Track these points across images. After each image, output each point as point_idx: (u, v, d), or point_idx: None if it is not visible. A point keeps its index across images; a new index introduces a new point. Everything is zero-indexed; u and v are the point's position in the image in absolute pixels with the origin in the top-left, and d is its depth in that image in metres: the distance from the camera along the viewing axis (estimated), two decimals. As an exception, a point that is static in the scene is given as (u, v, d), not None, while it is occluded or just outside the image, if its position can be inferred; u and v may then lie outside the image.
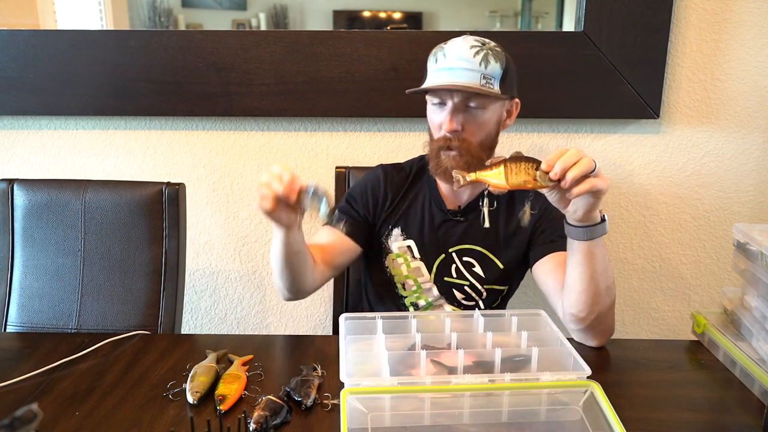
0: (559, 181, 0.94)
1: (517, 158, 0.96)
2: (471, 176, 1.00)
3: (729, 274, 1.70)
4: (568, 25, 1.65)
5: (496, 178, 0.97)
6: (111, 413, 0.92)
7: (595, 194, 0.97)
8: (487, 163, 0.98)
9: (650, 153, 1.63)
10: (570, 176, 0.93)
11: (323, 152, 1.65)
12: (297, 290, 1.19)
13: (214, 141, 1.66)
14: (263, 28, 1.91)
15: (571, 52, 1.53)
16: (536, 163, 0.95)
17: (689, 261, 1.70)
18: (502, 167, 0.96)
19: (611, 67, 1.53)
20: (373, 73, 1.54)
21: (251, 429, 0.85)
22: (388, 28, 1.68)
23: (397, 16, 1.89)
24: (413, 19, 1.90)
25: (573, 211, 1.01)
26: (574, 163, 0.93)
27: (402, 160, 1.38)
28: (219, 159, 1.67)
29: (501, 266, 1.30)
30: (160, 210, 1.38)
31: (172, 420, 0.90)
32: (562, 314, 1.15)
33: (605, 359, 1.10)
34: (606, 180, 0.96)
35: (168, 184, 1.39)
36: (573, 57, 1.53)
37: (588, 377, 0.89)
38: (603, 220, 1.03)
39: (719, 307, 1.20)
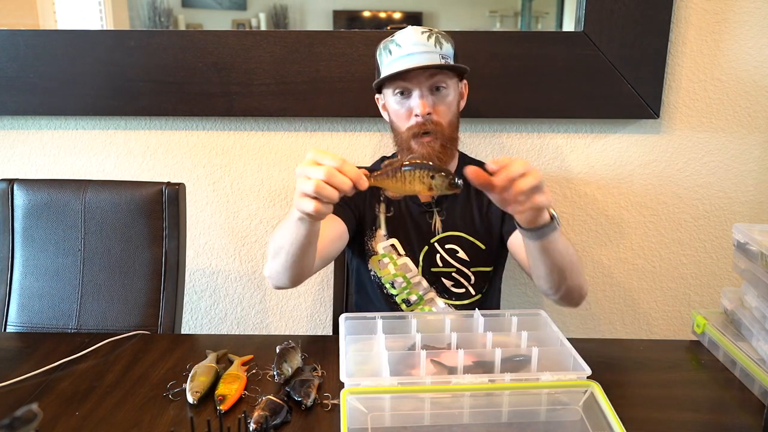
0: (455, 186, 0.89)
1: (412, 165, 0.89)
2: (369, 181, 0.91)
3: (729, 274, 1.70)
4: (568, 25, 1.65)
5: (391, 186, 0.91)
6: (111, 413, 0.92)
7: (535, 209, 0.93)
8: (385, 164, 0.91)
9: (650, 153, 1.63)
10: (517, 189, 0.87)
11: (323, 152, 1.65)
12: (298, 280, 1.13)
13: (214, 141, 1.66)
14: (263, 28, 1.91)
15: (571, 52, 1.53)
16: (432, 170, 0.89)
17: (689, 261, 1.70)
18: (398, 174, 0.90)
19: (611, 67, 1.53)
20: (373, 73, 1.54)
21: (251, 429, 0.85)
22: (388, 28, 1.68)
23: (397, 16, 1.89)
24: (413, 19, 1.90)
25: (518, 218, 0.98)
26: (522, 175, 0.87)
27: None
28: (219, 159, 1.67)
29: (483, 247, 1.32)
30: (160, 210, 1.38)
31: (172, 420, 0.90)
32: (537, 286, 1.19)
33: (605, 359, 1.10)
34: (548, 196, 0.91)
35: (168, 184, 1.39)
36: (573, 57, 1.53)
37: (588, 377, 0.89)
38: (552, 218, 0.98)
39: (719, 307, 1.20)
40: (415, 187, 0.90)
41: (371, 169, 0.90)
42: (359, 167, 0.89)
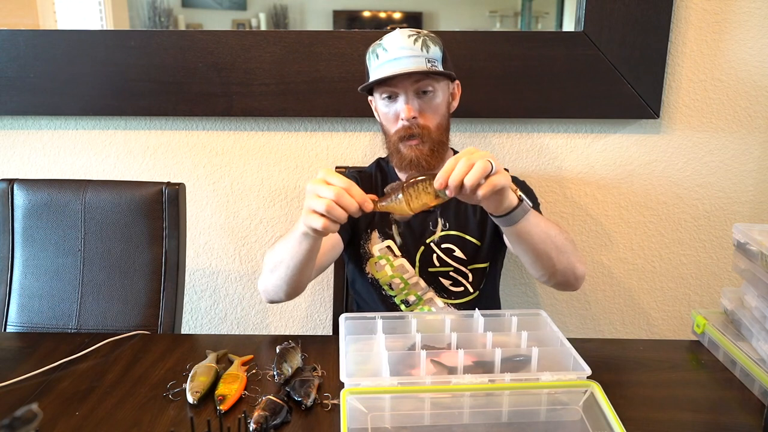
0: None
1: (414, 181, 0.94)
2: (376, 207, 0.96)
3: (729, 274, 1.70)
4: (568, 25, 1.65)
5: (398, 208, 0.95)
6: (111, 413, 0.92)
7: (498, 192, 0.95)
8: (387, 190, 0.96)
9: (650, 153, 1.63)
10: (468, 185, 0.90)
11: (323, 152, 1.65)
12: (293, 293, 1.17)
13: (214, 141, 1.66)
14: (263, 28, 1.91)
15: (571, 52, 1.53)
16: (432, 178, 0.92)
17: (689, 261, 1.70)
18: (401, 194, 0.94)
19: (611, 67, 1.53)
20: (373, 73, 1.54)
21: (251, 429, 0.85)
22: (388, 28, 1.68)
23: (397, 16, 1.89)
24: (413, 19, 1.90)
25: (485, 207, 1.01)
26: (467, 172, 0.90)
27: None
28: (219, 159, 1.67)
29: (478, 243, 1.32)
30: (160, 210, 1.38)
31: (172, 420, 0.90)
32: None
33: (605, 359, 1.10)
34: (505, 174, 0.94)
35: (168, 184, 1.39)
36: (573, 57, 1.53)
37: (588, 377, 0.89)
38: (521, 200, 1.01)
39: (719, 307, 1.20)
40: (422, 200, 0.94)
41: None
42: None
